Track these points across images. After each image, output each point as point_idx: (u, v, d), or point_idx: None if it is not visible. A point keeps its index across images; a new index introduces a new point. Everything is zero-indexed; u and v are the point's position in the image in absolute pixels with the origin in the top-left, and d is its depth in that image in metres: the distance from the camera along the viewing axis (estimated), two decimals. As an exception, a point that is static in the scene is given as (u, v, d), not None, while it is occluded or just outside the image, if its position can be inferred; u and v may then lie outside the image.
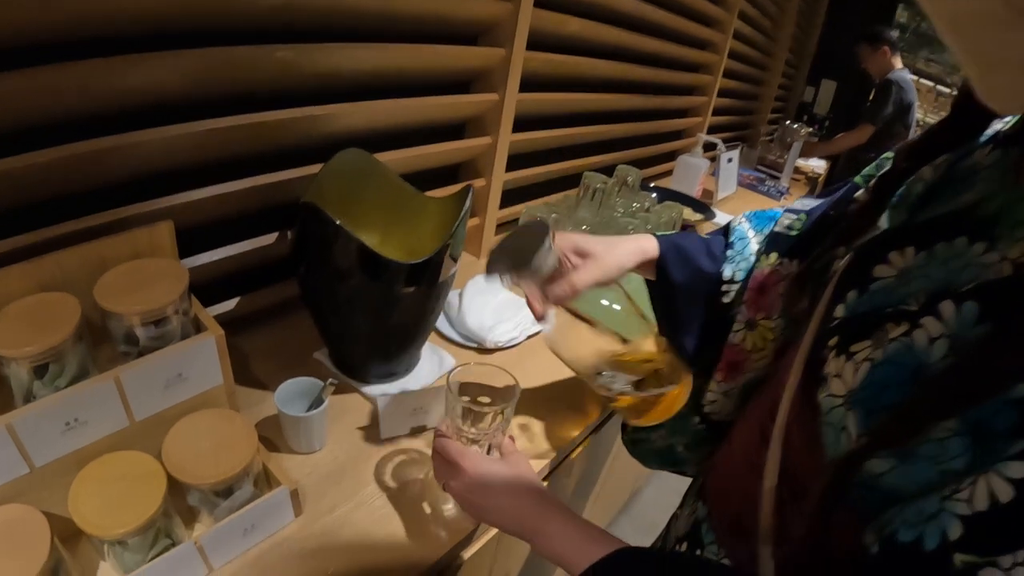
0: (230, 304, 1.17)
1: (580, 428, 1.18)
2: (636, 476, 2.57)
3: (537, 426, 1.15)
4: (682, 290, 0.92)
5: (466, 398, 0.86)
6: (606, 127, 2.10)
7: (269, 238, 1.17)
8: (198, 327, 0.87)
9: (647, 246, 0.90)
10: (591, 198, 1.78)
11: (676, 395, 0.85)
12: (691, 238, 0.95)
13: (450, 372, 0.85)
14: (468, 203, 1.05)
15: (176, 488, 0.79)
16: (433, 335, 1.34)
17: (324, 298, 1.06)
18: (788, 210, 0.88)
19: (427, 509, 0.95)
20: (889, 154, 0.73)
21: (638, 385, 0.86)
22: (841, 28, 4.78)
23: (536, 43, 1.51)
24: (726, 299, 0.90)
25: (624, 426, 1.11)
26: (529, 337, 1.41)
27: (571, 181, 1.92)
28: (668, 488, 2.80)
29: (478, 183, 1.60)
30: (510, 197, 1.76)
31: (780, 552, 0.60)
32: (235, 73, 1.01)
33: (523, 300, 1.43)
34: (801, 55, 4.84)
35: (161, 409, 0.83)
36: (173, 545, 0.77)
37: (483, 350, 1.32)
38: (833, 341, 0.55)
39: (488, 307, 1.37)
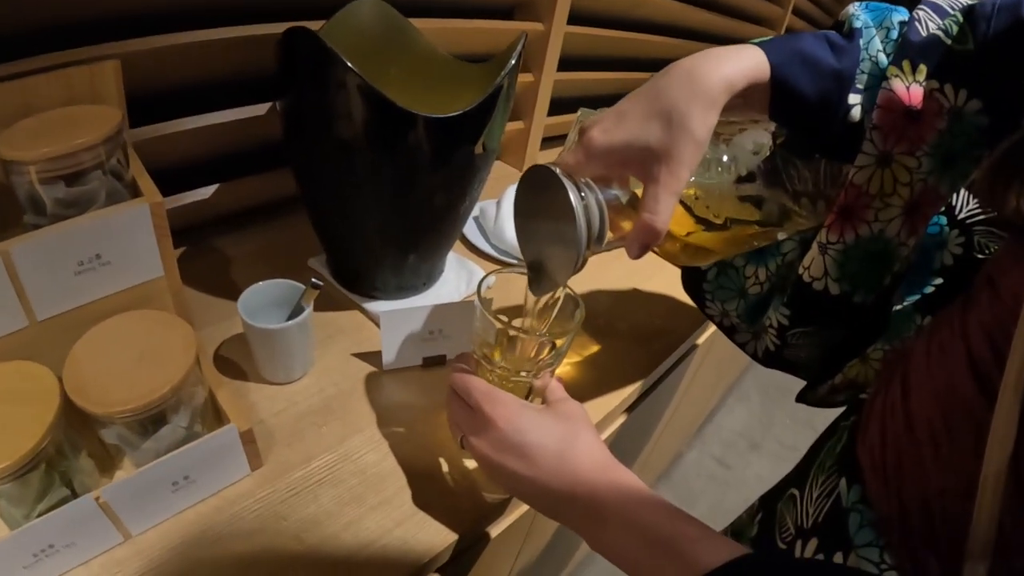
0: (205, 192, 0.99)
1: (644, 376, 1.00)
2: (682, 439, 2.49)
3: (587, 374, 0.97)
4: (815, 106, 0.67)
5: (504, 318, 0.68)
6: (675, 41, 1.92)
7: (256, 109, 0.98)
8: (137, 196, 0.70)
9: (735, 72, 0.61)
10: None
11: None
12: (797, 35, 0.70)
13: (483, 279, 0.70)
14: (519, 51, 0.81)
15: (84, 419, 0.62)
16: (462, 248, 1.20)
17: (315, 168, 0.86)
18: (926, 4, 0.64)
19: (444, 468, 0.77)
20: None
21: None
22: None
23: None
24: (854, 115, 0.67)
25: None
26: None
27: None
28: (710, 454, 2.70)
29: (525, 78, 1.42)
30: (561, 105, 1.60)
31: (1006, 571, 0.45)
32: None
33: None
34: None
35: (73, 305, 0.66)
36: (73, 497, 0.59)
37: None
38: None
39: None
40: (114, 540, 0.62)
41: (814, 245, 0.69)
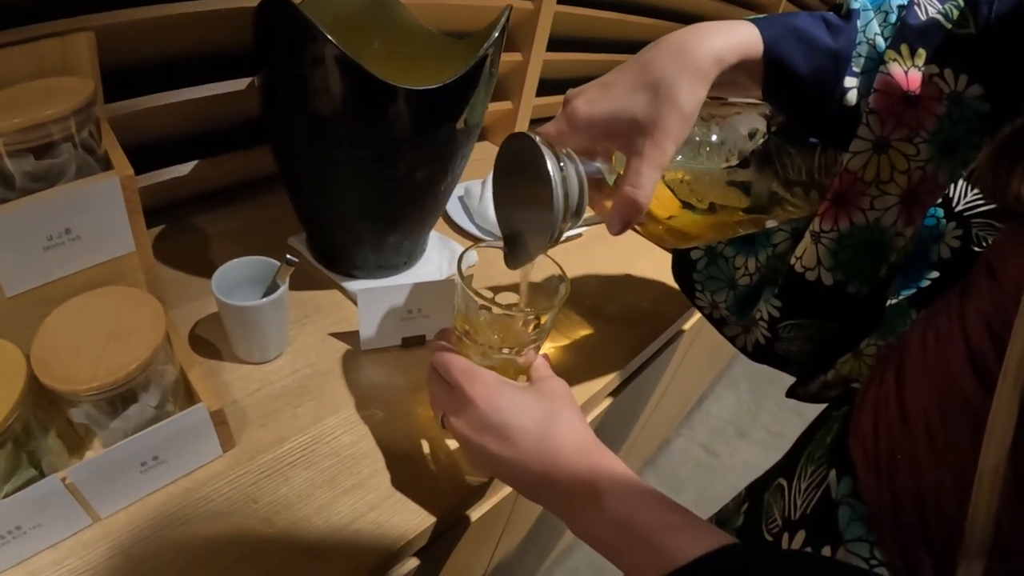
0: (184, 169, 0.96)
1: (630, 358, 0.99)
2: (670, 425, 2.48)
3: (573, 356, 0.96)
4: (810, 85, 0.65)
5: (488, 293, 0.67)
6: (666, 23, 1.88)
7: (236, 84, 0.95)
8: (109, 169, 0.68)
9: (727, 45, 0.59)
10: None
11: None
12: (793, 13, 0.67)
13: (463, 253, 0.67)
14: (502, 25, 0.79)
15: (53, 398, 0.60)
16: (446, 228, 1.18)
17: (293, 143, 0.83)
18: None
19: (422, 450, 0.75)
20: None
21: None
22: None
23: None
24: (850, 98, 0.65)
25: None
26: (568, 239, 1.20)
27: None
28: (697, 442, 2.69)
29: (514, 57, 1.40)
30: (549, 86, 1.57)
31: (1003, 571, 0.43)
32: None
33: None
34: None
35: (42, 282, 0.64)
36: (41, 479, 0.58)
37: None
38: None
39: None
40: (82, 522, 0.60)
41: (807, 234, 0.67)
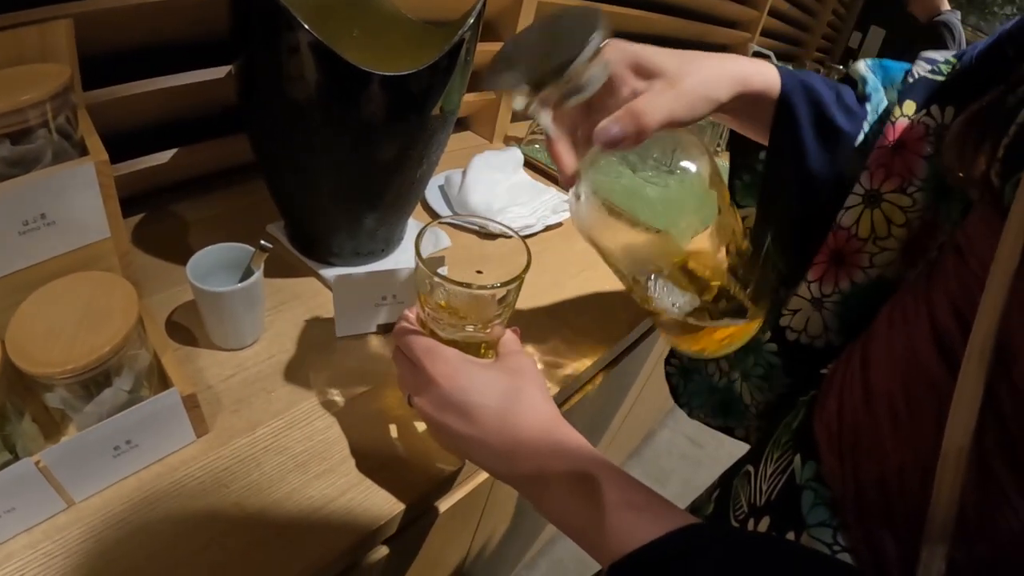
0: (163, 157, 0.96)
1: (605, 350, 0.98)
2: (654, 416, 2.45)
3: (550, 345, 0.94)
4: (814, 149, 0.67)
5: (445, 269, 0.67)
6: (652, 15, 1.86)
7: (215, 72, 0.95)
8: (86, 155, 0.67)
9: (752, 72, 0.62)
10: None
11: (737, 332, 0.64)
12: (814, 76, 0.69)
13: (421, 231, 0.64)
14: (478, 11, 0.79)
15: (27, 382, 0.60)
16: (425, 217, 1.17)
17: (270, 130, 0.82)
18: (922, 58, 0.65)
19: (393, 436, 0.75)
20: None
21: (694, 311, 0.62)
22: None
23: None
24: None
25: (672, 352, 0.88)
26: (548, 228, 1.19)
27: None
28: (683, 433, 2.69)
29: (496, 47, 1.32)
30: None
31: (967, 556, 0.42)
32: None
33: (543, 185, 1.25)
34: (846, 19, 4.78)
35: (17, 267, 0.64)
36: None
37: (486, 235, 1.07)
38: None
39: (499, 186, 1.16)
40: (56, 506, 0.60)
41: (800, 303, 0.67)
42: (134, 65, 0.87)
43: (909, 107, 0.61)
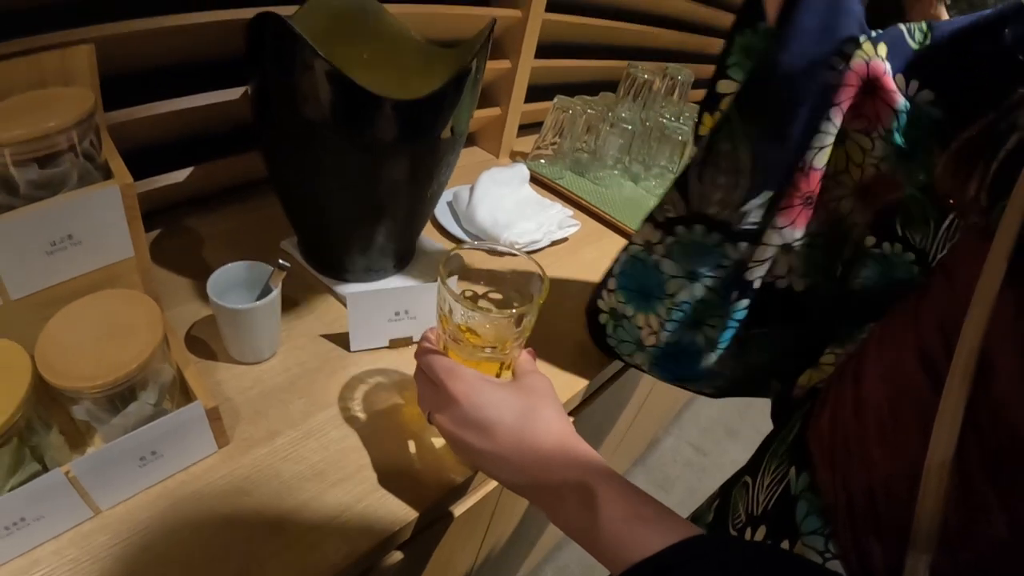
0: (179, 176, 0.98)
1: (608, 362, 0.98)
2: (659, 424, 2.47)
3: (556, 354, 0.96)
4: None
5: (468, 292, 0.69)
6: (656, 29, 1.88)
7: (230, 94, 0.97)
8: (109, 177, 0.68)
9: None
10: (635, 94, 1.56)
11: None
12: None
13: (446, 255, 0.66)
14: (487, 35, 0.81)
15: (55, 395, 0.61)
16: (434, 232, 1.19)
17: (285, 152, 0.84)
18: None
19: (407, 446, 0.77)
20: None
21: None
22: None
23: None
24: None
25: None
26: (555, 243, 1.22)
27: (609, 88, 1.73)
28: (687, 440, 2.70)
29: (502, 64, 1.40)
30: (538, 92, 1.57)
31: (951, 566, 0.43)
32: None
33: (548, 201, 1.28)
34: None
35: (45, 285, 0.65)
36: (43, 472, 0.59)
37: (495, 255, 1.08)
38: None
39: (505, 201, 1.18)
40: (83, 515, 0.61)
41: (767, 252, 0.68)
42: (150, 84, 0.89)
43: (882, 49, 0.62)
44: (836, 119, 0.63)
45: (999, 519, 0.41)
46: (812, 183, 0.65)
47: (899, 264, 0.63)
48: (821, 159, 0.64)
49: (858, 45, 0.63)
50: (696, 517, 0.76)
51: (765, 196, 0.68)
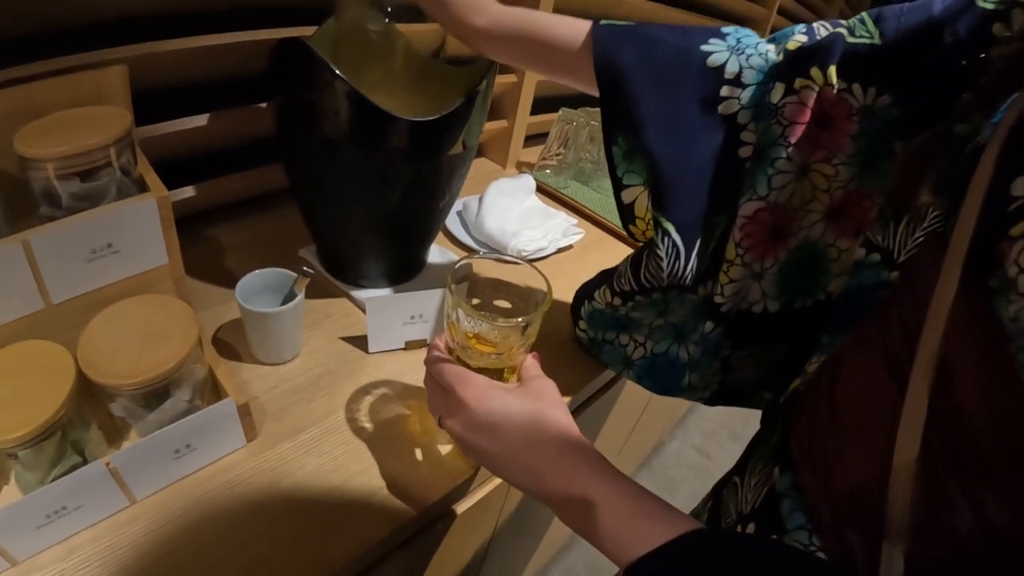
0: (203, 188, 1.01)
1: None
2: (663, 427, 2.46)
3: (561, 362, 0.98)
4: (643, 79, 0.70)
5: (475, 300, 0.71)
6: (661, 9, 1.83)
7: (252, 110, 1.00)
8: (144, 192, 0.72)
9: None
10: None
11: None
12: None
13: (454, 265, 0.68)
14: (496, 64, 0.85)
15: (95, 392, 0.65)
16: (445, 241, 1.22)
17: (306, 166, 0.88)
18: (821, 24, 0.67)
19: (419, 443, 0.80)
20: None
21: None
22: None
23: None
24: (724, 108, 0.68)
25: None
26: (560, 250, 1.25)
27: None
28: (691, 444, 2.70)
29: (509, 78, 1.43)
30: (543, 105, 1.58)
31: (922, 554, 0.45)
32: None
33: (553, 210, 1.31)
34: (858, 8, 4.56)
35: (86, 290, 0.69)
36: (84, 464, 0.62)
37: (503, 263, 1.11)
38: (1019, 229, 0.41)
39: (512, 211, 1.21)
40: (120, 504, 0.65)
41: (743, 274, 0.70)
42: (176, 100, 0.92)
43: (832, 73, 0.63)
44: (794, 156, 0.64)
45: (963, 512, 0.42)
46: (775, 219, 0.67)
47: (866, 266, 0.64)
48: (783, 195, 0.66)
49: (737, 86, 0.67)
50: (693, 516, 0.77)
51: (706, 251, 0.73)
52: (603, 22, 0.72)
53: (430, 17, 0.84)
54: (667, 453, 2.65)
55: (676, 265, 0.72)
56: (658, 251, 0.72)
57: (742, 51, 0.68)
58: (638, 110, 0.70)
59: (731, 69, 0.68)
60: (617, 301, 0.84)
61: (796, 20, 2.79)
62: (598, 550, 0.52)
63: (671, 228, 0.71)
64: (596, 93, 0.74)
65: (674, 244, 0.71)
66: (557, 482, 0.57)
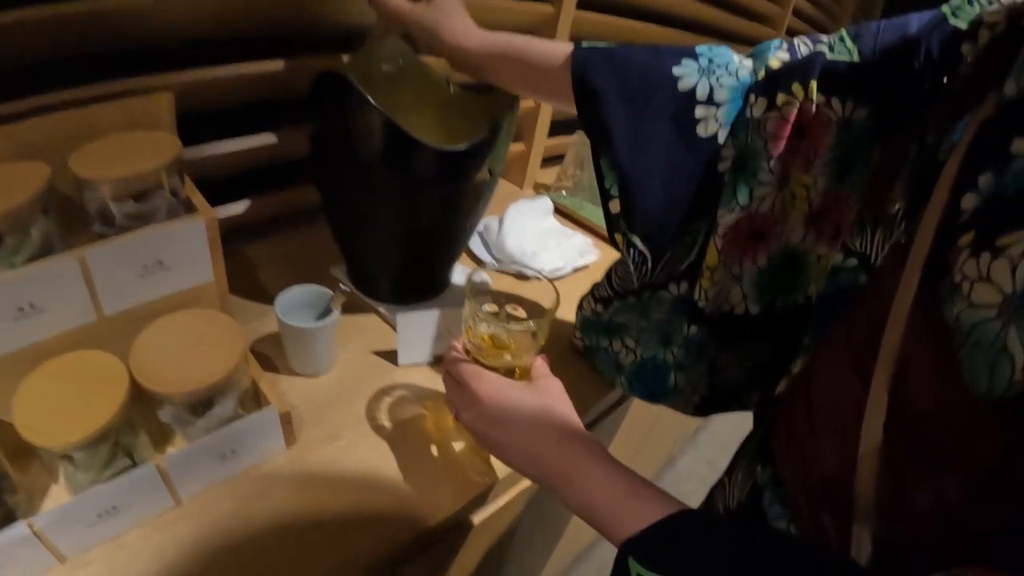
0: (239, 207, 1.06)
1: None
2: (674, 441, 2.47)
3: (575, 376, 0.99)
4: (613, 98, 0.74)
5: (491, 307, 0.77)
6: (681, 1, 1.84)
7: (286, 134, 1.05)
8: (190, 212, 0.76)
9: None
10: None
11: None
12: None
13: (471, 274, 0.74)
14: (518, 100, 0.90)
15: (145, 400, 0.68)
16: (468, 260, 1.25)
17: (340, 189, 0.92)
18: (802, 41, 0.70)
19: (445, 449, 0.85)
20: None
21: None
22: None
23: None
24: (703, 129, 0.72)
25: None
26: (576, 270, 1.28)
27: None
28: (703, 459, 2.71)
29: (526, 104, 1.43)
30: (560, 127, 1.60)
31: (887, 533, 0.49)
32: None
33: (570, 230, 1.34)
34: (869, 15, 4.55)
35: (136, 303, 0.72)
36: (133, 467, 0.66)
37: (522, 278, 1.15)
38: (967, 239, 0.43)
39: (531, 232, 1.24)
40: (167, 504, 0.69)
41: (719, 278, 0.74)
42: (214, 122, 0.96)
43: (812, 88, 0.66)
44: (776, 168, 0.68)
45: (922, 494, 0.46)
46: (756, 223, 0.70)
47: (844, 270, 0.65)
48: (765, 205, 0.69)
49: (711, 103, 0.70)
50: None
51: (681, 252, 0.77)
52: (584, 44, 0.76)
53: (422, 42, 0.88)
54: (679, 467, 2.66)
55: (644, 269, 0.77)
56: (625, 258, 0.78)
57: (712, 71, 0.72)
58: (608, 126, 0.74)
59: (701, 92, 0.71)
60: (600, 308, 0.90)
61: (810, 20, 2.83)
62: (596, 530, 0.56)
63: (635, 239, 0.76)
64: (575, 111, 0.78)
65: (640, 252, 0.77)
66: (560, 466, 0.61)
